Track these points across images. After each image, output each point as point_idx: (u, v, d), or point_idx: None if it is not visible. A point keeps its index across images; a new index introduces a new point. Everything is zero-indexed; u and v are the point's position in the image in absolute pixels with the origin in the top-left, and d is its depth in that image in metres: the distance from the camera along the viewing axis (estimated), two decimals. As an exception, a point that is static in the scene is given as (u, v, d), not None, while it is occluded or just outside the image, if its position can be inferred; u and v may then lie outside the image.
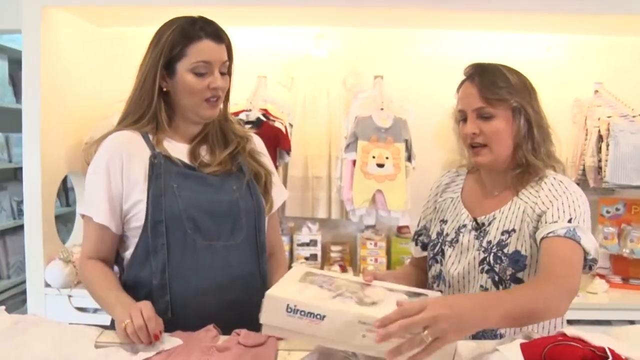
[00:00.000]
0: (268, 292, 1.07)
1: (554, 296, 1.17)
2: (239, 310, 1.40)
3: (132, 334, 1.20)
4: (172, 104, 1.46)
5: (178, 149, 1.47)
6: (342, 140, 3.07)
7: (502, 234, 1.33)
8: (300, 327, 1.03)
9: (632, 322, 2.44)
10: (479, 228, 1.38)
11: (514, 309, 1.07)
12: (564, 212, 1.27)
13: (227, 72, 1.47)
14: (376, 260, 3.10)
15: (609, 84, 3.04)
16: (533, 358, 0.94)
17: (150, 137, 1.44)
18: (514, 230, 1.32)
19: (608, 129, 2.82)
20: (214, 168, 1.48)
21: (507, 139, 1.34)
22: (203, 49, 1.40)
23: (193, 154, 1.48)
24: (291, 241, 3.22)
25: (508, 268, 1.30)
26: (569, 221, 1.25)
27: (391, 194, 2.97)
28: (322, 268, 3.15)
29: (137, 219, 1.40)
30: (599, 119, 2.90)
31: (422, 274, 1.55)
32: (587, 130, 2.94)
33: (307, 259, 3.16)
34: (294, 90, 3.27)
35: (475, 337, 1.17)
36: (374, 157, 2.95)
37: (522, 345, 0.98)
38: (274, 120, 2.96)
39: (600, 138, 2.86)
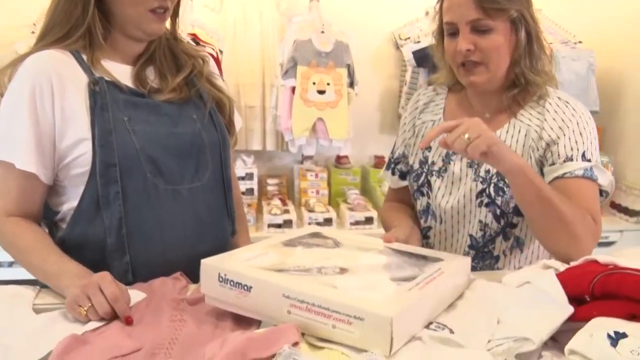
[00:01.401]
0: (203, 260, 0.95)
1: (583, 225, 1.10)
2: None
3: (95, 319, 0.96)
4: (108, 15, 1.18)
5: (119, 72, 1.20)
6: (276, 67, 2.86)
7: None
8: (231, 298, 0.91)
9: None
10: None
11: (543, 188, 1.08)
12: (576, 142, 1.16)
13: None
14: (317, 192, 2.97)
15: (548, 11, 2.97)
16: (579, 289, 0.84)
17: (84, 57, 1.17)
18: None
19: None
20: (167, 95, 1.23)
21: (506, 55, 1.19)
22: None
23: (139, 77, 1.22)
24: (225, 176, 3.01)
25: (511, 200, 1.20)
26: (583, 155, 1.16)
27: (333, 122, 2.82)
28: (259, 202, 2.99)
29: (80, 163, 1.13)
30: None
31: (410, 208, 1.42)
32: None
33: (243, 194, 2.97)
34: (222, 13, 2.98)
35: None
36: (314, 83, 2.77)
37: (560, 276, 0.88)
38: (204, 46, 2.67)
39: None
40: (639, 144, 2.90)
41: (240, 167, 2.99)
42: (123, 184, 1.13)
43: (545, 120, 1.19)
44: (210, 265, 0.93)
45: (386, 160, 1.48)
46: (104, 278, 0.98)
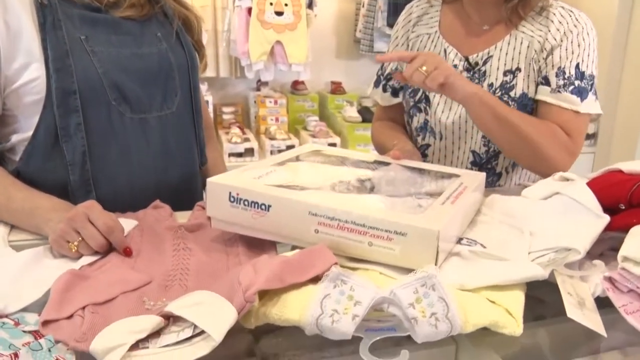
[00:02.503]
0: (209, 179, 0.85)
1: (552, 142, 1.09)
2: (181, 197, 1.12)
3: (88, 253, 0.84)
4: None
5: None
6: (228, -14, 2.67)
7: (505, 74, 1.15)
8: (246, 219, 0.82)
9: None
10: (473, 69, 1.19)
11: (501, 111, 1.07)
12: (572, 52, 1.12)
13: None
14: (277, 119, 2.87)
15: None
16: (613, 198, 0.81)
17: None
18: (518, 69, 1.15)
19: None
20: (127, 11, 1.07)
21: None
22: None
23: None
24: (178, 104, 2.84)
25: None
26: (577, 67, 1.12)
27: (292, 45, 2.69)
28: (215, 132, 2.85)
29: (32, 90, 0.98)
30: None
31: (402, 127, 1.36)
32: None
33: (198, 123, 2.83)
34: None
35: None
36: (271, 4, 2.61)
37: (591, 184, 0.85)
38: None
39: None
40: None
41: (193, 95, 2.83)
42: (85, 114, 1.00)
43: (549, 30, 1.14)
44: (219, 184, 0.84)
45: (374, 77, 1.40)
46: (92, 208, 0.86)
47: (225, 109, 2.97)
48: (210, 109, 2.86)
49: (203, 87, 2.86)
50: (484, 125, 1.11)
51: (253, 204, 0.81)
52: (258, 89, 3.00)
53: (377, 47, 3.01)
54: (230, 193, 0.83)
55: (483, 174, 0.99)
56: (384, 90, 1.36)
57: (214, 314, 0.63)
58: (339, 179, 0.91)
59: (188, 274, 0.81)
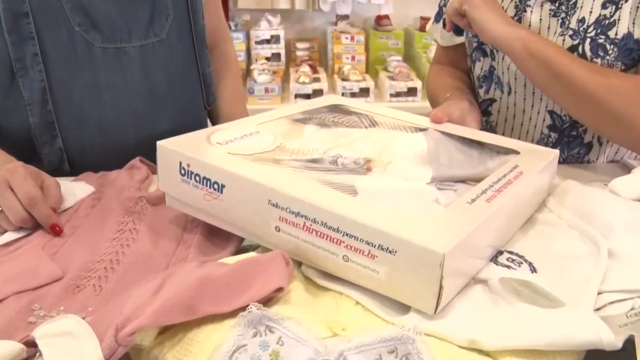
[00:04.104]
0: (159, 142, 0.62)
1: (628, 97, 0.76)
2: None
3: (11, 228, 0.66)
4: None
5: None
6: None
7: (604, 5, 0.81)
8: (198, 200, 0.59)
9: None
10: (559, 0, 0.86)
11: (560, 61, 0.78)
12: None
13: None
14: (353, 58, 2.58)
15: None
16: None
17: None
18: None
19: None
20: None
21: None
22: None
23: None
24: (247, 38, 2.63)
25: (616, 63, 0.81)
26: None
27: (372, -27, 2.35)
28: (286, 69, 2.63)
29: None
30: None
31: (465, 75, 1.06)
32: None
33: (268, 59, 2.61)
34: None
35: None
36: None
37: None
38: None
39: None
40: None
41: (264, 28, 2.61)
42: (42, 43, 0.81)
43: None
44: (168, 149, 0.62)
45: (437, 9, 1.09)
46: (14, 172, 0.66)
47: (300, 45, 2.71)
48: (282, 44, 2.61)
49: (275, 20, 2.61)
50: (540, 84, 0.83)
51: (205, 181, 0.59)
52: (336, 24, 2.71)
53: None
54: (180, 163, 0.61)
55: (556, 152, 0.69)
56: (445, 26, 1.05)
57: (73, 356, 0.42)
58: (345, 150, 0.66)
59: (115, 269, 0.60)
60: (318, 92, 2.36)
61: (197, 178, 0.59)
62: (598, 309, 0.48)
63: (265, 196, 0.53)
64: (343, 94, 2.39)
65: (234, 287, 0.47)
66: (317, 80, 2.42)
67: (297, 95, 2.37)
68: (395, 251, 0.46)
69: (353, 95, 2.40)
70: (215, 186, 0.58)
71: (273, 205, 0.53)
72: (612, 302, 0.48)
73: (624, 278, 0.50)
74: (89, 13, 0.83)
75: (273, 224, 0.54)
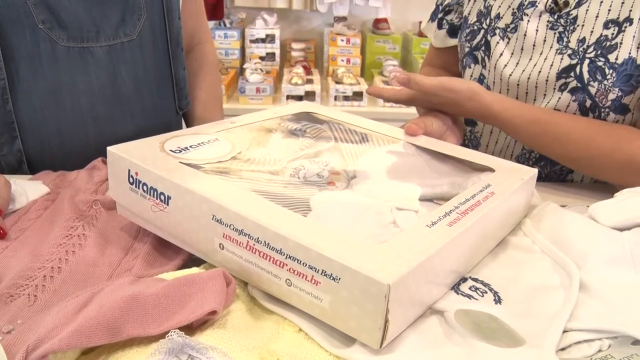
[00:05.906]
0: (109, 148, 0.59)
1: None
2: None
3: None
4: None
5: None
6: None
7: (607, 25, 0.78)
8: (146, 211, 0.56)
9: None
10: (559, 10, 0.81)
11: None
12: None
13: None
14: (348, 60, 2.54)
15: None
16: None
17: None
18: (629, 19, 0.76)
19: None
20: None
21: None
22: None
23: None
24: (242, 37, 2.60)
25: (613, 89, 0.78)
26: None
27: (371, -25, 2.32)
28: (281, 70, 2.59)
29: None
30: None
31: None
32: None
33: (262, 58, 2.57)
34: None
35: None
36: None
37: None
38: None
39: None
40: None
41: (259, 27, 2.57)
42: (3, 40, 0.77)
43: None
44: (118, 155, 0.58)
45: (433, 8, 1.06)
46: None
47: (295, 45, 2.67)
48: (277, 44, 2.58)
49: (271, 20, 2.58)
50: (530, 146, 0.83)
51: (152, 191, 0.55)
52: (334, 25, 2.67)
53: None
54: (129, 171, 0.57)
55: (534, 171, 0.65)
56: (440, 26, 1.01)
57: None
58: (306, 162, 0.62)
59: (55, 278, 0.56)
60: (310, 94, 2.33)
61: (145, 188, 0.56)
62: (563, 349, 0.44)
63: (210, 211, 0.49)
64: (336, 97, 2.36)
65: (164, 308, 0.43)
66: (310, 82, 2.38)
67: (289, 97, 2.33)
68: (339, 278, 0.42)
69: (346, 98, 2.37)
70: (162, 197, 0.54)
71: (217, 221, 0.49)
72: (579, 342, 0.44)
73: (594, 316, 0.46)
74: (54, 10, 0.79)
75: (217, 240, 0.50)
